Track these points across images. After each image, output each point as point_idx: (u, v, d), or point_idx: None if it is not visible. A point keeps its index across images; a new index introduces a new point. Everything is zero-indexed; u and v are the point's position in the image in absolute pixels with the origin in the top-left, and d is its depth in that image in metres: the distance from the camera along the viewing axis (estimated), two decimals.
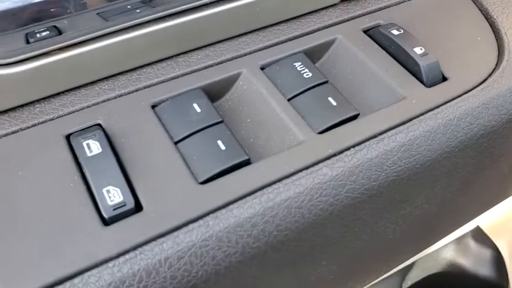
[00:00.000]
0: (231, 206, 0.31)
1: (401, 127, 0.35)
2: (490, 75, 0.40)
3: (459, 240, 1.02)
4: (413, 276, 1.04)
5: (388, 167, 0.34)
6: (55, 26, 0.38)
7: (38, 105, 0.36)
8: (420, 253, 0.77)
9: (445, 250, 1.03)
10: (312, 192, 0.32)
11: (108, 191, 0.30)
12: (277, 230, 0.31)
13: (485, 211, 0.50)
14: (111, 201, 0.30)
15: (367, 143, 0.34)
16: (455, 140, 0.36)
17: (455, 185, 0.40)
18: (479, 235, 1.01)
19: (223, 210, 0.30)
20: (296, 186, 0.32)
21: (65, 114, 0.35)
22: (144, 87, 0.38)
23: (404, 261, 0.45)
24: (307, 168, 0.33)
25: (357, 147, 0.34)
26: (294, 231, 0.32)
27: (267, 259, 0.32)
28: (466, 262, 1.05)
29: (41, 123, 0.35)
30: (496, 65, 0.40)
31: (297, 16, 0.43)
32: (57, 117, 0.35)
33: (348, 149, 0.34)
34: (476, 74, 0.40)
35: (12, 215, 0.30)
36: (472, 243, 1.04)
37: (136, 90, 0.37)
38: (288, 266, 0.34)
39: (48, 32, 0.37)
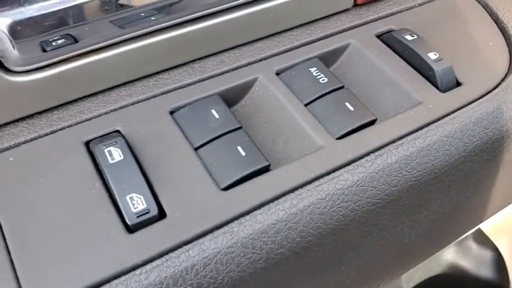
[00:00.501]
0: (255, 212, 0.31)
1: (419, 132, 0.36)
2: (503, 79, 0.40)
3: (460, 242, 1.02)
4: (416, 278, 1.04)
5: (407, 172, 0.35)
6: (69, 34, 0.38)
7: (56, 112, 0.35)
8: None
9: (446, 252, 1.04)
10: (334, 198, 0.32)
11: (131, 198, 0.30)
12: (300, 236, 0.31)
13: (496, 213, 0.50)
14: (134, 208, 0.30)
15: (386, 148, 0.35)
16: (472, 145, 0.37)
17: (470, 188, 0.40)
18: (480, 237, 1.01)
19: (248, 217, 0.31)
20: (318, 192, 0.32)
21: (83, 121, 0.35)
22: (162, 93, 0.38)
23: (417, 264, 0.46)
24: (328, 174, 0.33)
25: (376, 153, 0.34)
26: (316, 237, 0.32)
27: (290, 265, 0.32)
28: (467, 264, 1.05)
29: (60, 129, 0.35)
30: (509, 69, 0.41)
31: (311, 21, 0.44)
32: (75, 124, 0.35)
33: (367, 154, 0.34)
34: (490, 78, 0.40)
35: (36, 223, 0.29)
36: (473, 245, 1.04)
37: (154, 97, 0.37)
38: (309, 272, 0.34)
39: (64, 40, 0.37)
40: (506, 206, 0.51)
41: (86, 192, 0.31)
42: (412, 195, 0.36)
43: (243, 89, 0.39)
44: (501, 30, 0.44)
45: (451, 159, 0.36)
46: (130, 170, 0.32)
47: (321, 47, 0.42)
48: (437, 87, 0.39)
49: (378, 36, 0.44)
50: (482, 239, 1.02)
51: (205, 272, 0.29)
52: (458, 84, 0.40)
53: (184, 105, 0.37)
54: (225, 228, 0.30)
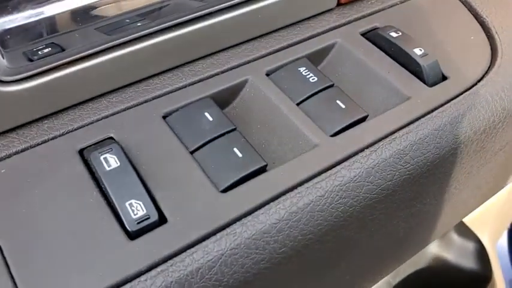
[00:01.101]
0: (256, 213, 0.31)
1: (411, 126, 0.36)
2: (486, 72, 0.41)
3: (443, 235, 1.04)
4: (401, 273, 1.06)
5: (401, 166, 0.35)
6: (54, 43, 0.37)
7: (46, 122, 0.35)
8: None
9: (430, 245, 1.06)
10: (333, 194, 0.32)
11: (130, 205, 0.30)
12: (301, 234, 0.31)
13: (486, 201, 0.51)
14: (134, 214, 0.30)
15: (380, 143, 0.35)
16: (461, 136, 0.38)
17: (461, 179, 0.41)
18: (461, 228, 1.03)
19: (249, 217, 0.31)
20: (317, 190, 0.32)
21: (75, 129, 0.35)
22: (153, 98, 0.37)
23: (412, 256, 0.46)
24: (325, 171, 0.33)
25: (371, 148, 0.35)
26: (316, 234, 0.32)
27: (292, 264, 0.32)
28: (450, 256, 1.07)
29: (52, 139, 0.34)
30: (491, 62, 0.42)
31: (296, 22, 0.44)
32: (67, 132, 0.34)
33: (362, 150, 0.35)
34: (474, 71, 0.41)
35: (34, 235, 0.29)
36: (455, 237, 1.06)
37: (146, 101, 0.37)
38: (310, 269, 0.34)
39: (50, 49, 0.36)
40: (497, 192, 0.52)
41: (84, 201, 0.31)
42: (406, 189, 0.36)
43: (234, 91, 0.39)
44: (481, 25, 0.45)
45: (442, 152, 0.37)
46: (127, 177, 0.31)
47: (308, 47, 0.42)
48: (424, 82, 0.40)
49: (363, 35, 0.44)
50: (465, 231, 1.04)
51: (211, 274, 0.28)
52: (444, 78, 0.41)
53: (177, 109, 0.37)
54: (228, 229, 0.30)
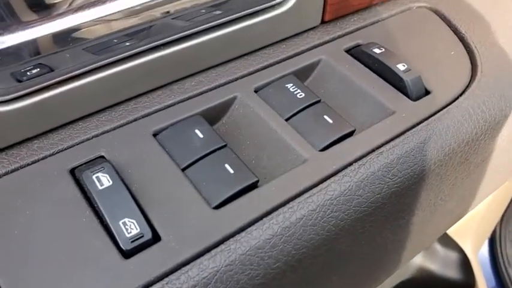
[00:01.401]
0: (250, 229, 0.31)
1: (397, 140, 0.37)
2: (468, 86, 0.42)
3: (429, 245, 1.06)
4: (387, 285, 1.07)
5: (389, 179, 0.36)
6: (42, 64, 0.37)
7: (36, 142, 0.35)
8: None
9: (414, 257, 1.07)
10: (324, 208, 0.33)
11: (124, 223, 0.30)
12: (295, 249, 0.32)
13: (471, 210, 0.52)
14: (128, 233, 0.30)
15: (368, 157, 0.36)
16: (446, 149, 0.39)
17: (446, 191, 0.42)
18: (444, 238, 1.05)
19: (243, 233, 0.31)
20: (309, 204, 0.33)
21: (66, 148, 0.35)
22: (143, 116, 0.37)
23: (401, 267, 0.47)
24: (316, 185, 0.34)
25: (359, 162, 0.35)
26: (309, 248, 0.33)
27: (286, 279, 0.32)
28: (434, 266, 1.09)
29: (42, 159, 0.34)
30: (472, 76, 0.43)
31: (282, 40, 0.45)
32: (57, 152, 0.34)
33: (350, 164, 0.35)
34: (455, 85, 0.42)
35: (28, 255, 0.28)
36: (438, 248, 1.08)
37: (135, 120, 0.37)
38: (303, 284, 0.35)
39: (39, 69, 0.36)
40: (482, 201, 0.53)
41: (77, 221, 0.30)
42: (394, 201, 0.37)
43: (223, 108, 0.40)
44: (460, 40, 0.47)
45: (428, 164, 0.38)
46: (120, 195, 0.31)
47: (295, 64, 0.43)
48: (408, 97, 0.41)
49: (347, 51, 0.45)
50: (448, 241, 1.05)
51: None
52: (427, 92, 0.42)
53: (167, 127, 0.37)
54: (222, 246, 0.30)
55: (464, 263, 1.07)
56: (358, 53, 0.45)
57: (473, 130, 0.40)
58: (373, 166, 0.35)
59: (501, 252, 1.29)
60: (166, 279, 0.28)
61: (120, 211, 0.30)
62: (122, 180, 0.32)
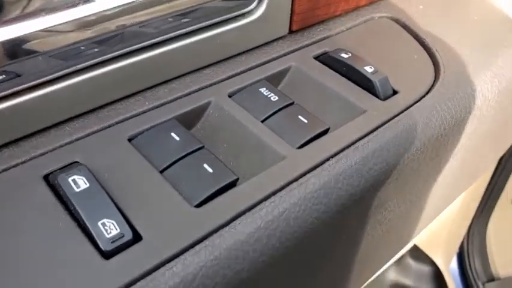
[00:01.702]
0: (233, 223, 0.31)
1: (371, 135, 0.38)
2: (432, 85, 0.44)
3: (399, 261, 1.07)
4: None
5: (366, 173, 0.36)
6: (8, 71, 0.36)
7: (6, 150, 0.34)
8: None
9: (388, 272, 1.08)
10: (306, 202, 0.33)
11: (103, 224, 0.29)
12: (279, 242, 0.32)
13: (448, 205, 0.53)
14: (108, 234, 0.29)
15: (344, 152, 0.36)
16: (418, 143, 0.40)
17: (419, 186, 0.43)
18: (416, 253, 1.06)
19: (227, 228, 0.30)
20: (291, 198, 0.33)
21: (38, 156, 0.34)
22: (117, 123, 0.37)
23: (383, 266, 0.47)
24: (296, 180, 0.34)
25: (336, 157, 0.36)
26: (293, 241, 0.32)
27: (270, 273, 0.32)
28: (408, 281, 1.09)
29: (13, 166, 0.33)
30: (435, 76, 0.45)
31: (253, 48, 0.46)
32: (30, 159, 0.33)
33: (328, 159, 0.36)
34: (421, 85, 0.44)
35: (4, 263, 0.27)
36: (411, 262, 1.09)
37: (109, 126, 0.37)
38: (286, 278, 0.34)
39: (4, 76, 0.35)
40: (458, 196, 0.55)
41: (53, 226, 0.29)
42: (372, 195, 0.37)
43: (198, 113, 0.40)
44: (422, 45, 0.49)
45: (401, 158, 0.39)
46: (98, 197, 0.30)
47: (266, 70, 0.44)
48: (377, 97, 0.42)
49: (316, 58, 0.47)
50: (419, 255, 1.07)
51: (193, 287, 0.28)
52: (395, 92, 0.43)
53: (142, 132, 0.37)
54: (206, 242, 0.30)
55: (437, 276, 1.08)
56: (326, 59, 0.46)
57: (441, 125, 0.42)
58: (350, 160, 0.36)
59: (469, 266, 1.31)
60: (150, 277, 0.27)
61: (99, 212, 0.30)
62: (99, 182, 0.32)
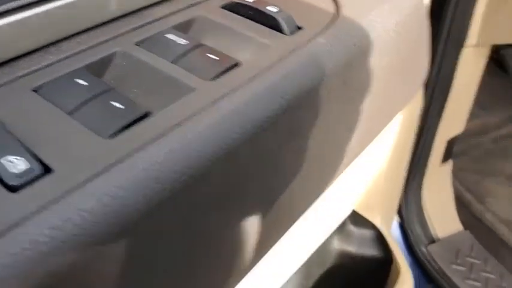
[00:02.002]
0: (148, 147, 0.30)
1: (280, 63, 0.39)
2: (333, 19, 0.46)
3: (341, 228, 1.09)
4: (313, 274, 1.08)
5: (279, 97, 0.37)
6: None
7: None
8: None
9: (331, 241, 1.10)
10: (222, 122, 0.33)
11: (9, 161, 0.28)
12: (198, 162, 0.32)
13: (370, 142, 0.56)
14: (13, 169, 0.28)
15: (255, 80, 0.37)
16: (326, 69, 0.41)
17: (333, 117, 0.45)
18: (356, 218, 1.09)
19: (141, 152, 0.30)
20: (205, 120, 0.33)
21: None
22: (20, 77, 0.36)
23: (315, 199, 0.48)
24: (209, 106, 0.34)
25: (250, 84, 0.37)
26: (213, 162, 0.33)
27: (195, 193, 0.32)
28: (351, 248, 1.12)
29: None
30: (337, 11, 0.47)
31: (159, 2, 0.46)
32: None
33: (241, 86, 0.37)
34: (323, 20, 0.46)
35: None
36: (352, 228, 1.12)
37: (11, 81, 0.35)
38: (216, 201, 0.34)
39: None
40: (379, 132, 0.57)
41: None
42: (287, 119, 0.38)
43: (105, 62, 0.39)
44: None
45: (313, 83, 0.40)
46: (2, 137, 0.29)
47: (173, 20, 0.44)
48: (283, 33, 0.43)
49: (223, 8, 0.47)
50: (359, 220, 1.10)
51: (109, 207, 0.27)
52: (299, 28, 0.45)
53: (48, 83, 0.36)
54: (120, 165, 0.29)
55: (379, 239, 1.12)
56: (233, 7, 0.47)
57: (347, 53, 0.44)
58: (262, 84, 0.37)
59: (411, 232, 1.37)
60: (63, 201, 0.26)
61: (3, 150, 0.28)
62: (3, 126, 0.30)
